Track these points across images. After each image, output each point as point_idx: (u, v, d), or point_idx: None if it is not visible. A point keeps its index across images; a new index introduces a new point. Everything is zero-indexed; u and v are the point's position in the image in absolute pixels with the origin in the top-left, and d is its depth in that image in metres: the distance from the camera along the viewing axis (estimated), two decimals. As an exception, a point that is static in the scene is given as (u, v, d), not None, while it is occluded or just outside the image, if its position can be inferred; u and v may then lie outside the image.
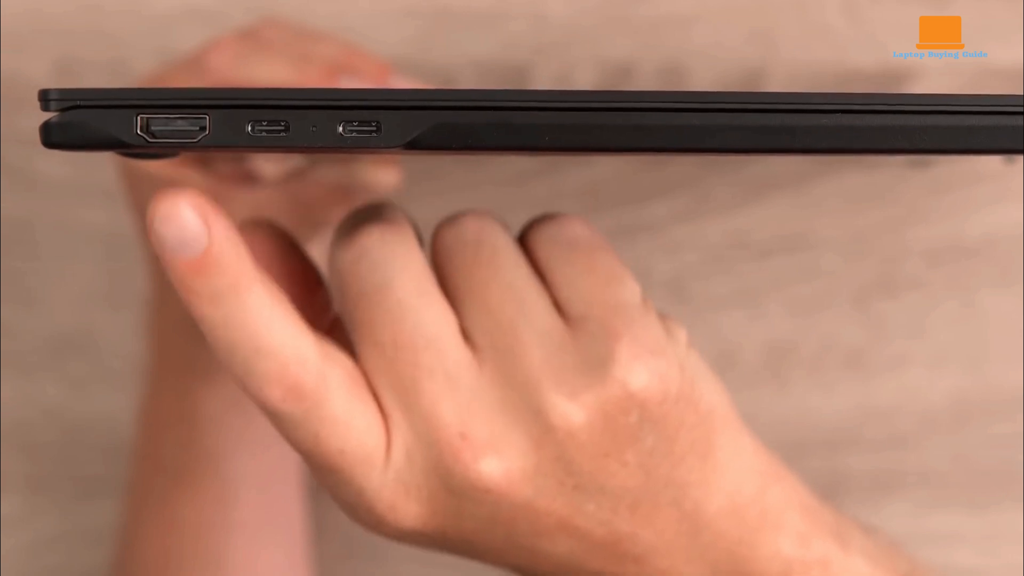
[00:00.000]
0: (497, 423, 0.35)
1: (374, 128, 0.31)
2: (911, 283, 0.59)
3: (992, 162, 0.58)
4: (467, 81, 0.57)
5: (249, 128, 0.31)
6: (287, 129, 0.31)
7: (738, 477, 0.37)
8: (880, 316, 0.59)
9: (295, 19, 0.52)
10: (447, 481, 0.35)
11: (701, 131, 0.31)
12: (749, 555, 0.37)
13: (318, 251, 0.50)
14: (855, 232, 0.59)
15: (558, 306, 0.35)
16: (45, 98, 0.31)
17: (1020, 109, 0.31)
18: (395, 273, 0.35)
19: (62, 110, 0.31)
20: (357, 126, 0.31)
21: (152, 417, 0.53)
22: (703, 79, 0.57)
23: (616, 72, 0.58)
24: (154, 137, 0.31)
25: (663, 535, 0.36)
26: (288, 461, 0.53)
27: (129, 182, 0.49)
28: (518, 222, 0.37)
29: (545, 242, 0.36)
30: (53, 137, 0.31)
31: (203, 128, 0.31)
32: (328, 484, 0.36)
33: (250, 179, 0.48)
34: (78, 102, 0.31)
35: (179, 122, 0.31)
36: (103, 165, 0.57)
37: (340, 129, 0.31)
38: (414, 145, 0.31)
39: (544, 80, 0.57)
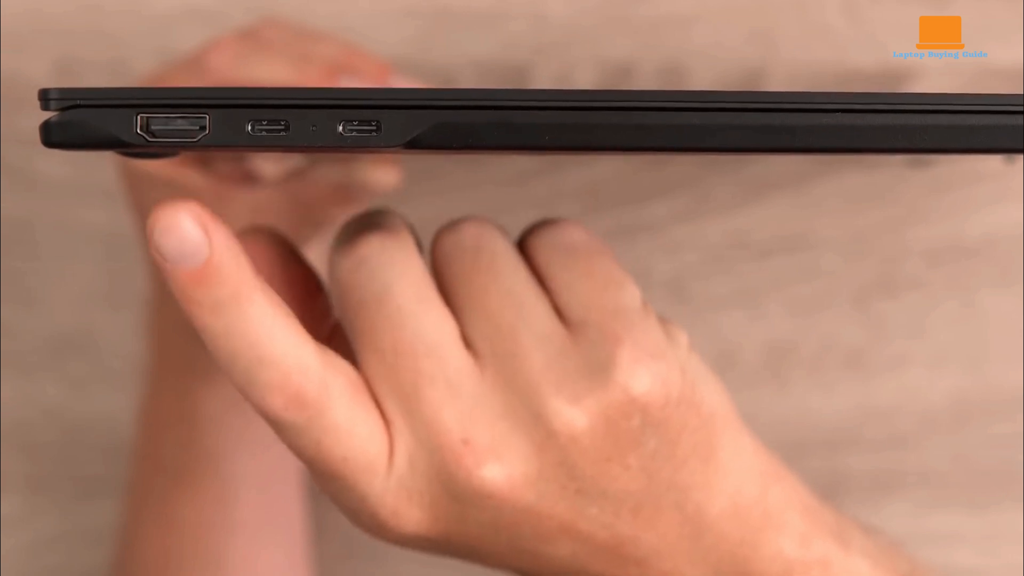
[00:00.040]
0: (499, 428, 0.35)
1: (374, 127, 0.31)
2: (911, 283, 0.59)
3: (992, 162, 0.58)
4: (467, 81, 0.57)
5: (249, 128, 0.31)
6: (287, 129, 0.31)
7: (740, 479, 0.37)
8: (880, 316, 0.59)
9: (295, 19, 0.52)
10: (450, 487, 0.35)
11: (701, 130, 0.31)
12: (751, 556, 0.37)
13: (318, 251, 0.50)
14: (855, 232, 0.59)
15: (558, 311, 0.35)
16: (45, 97, 0.31)
17: (1020, 109, 0.30)
18: (395, 280, 0.35)
19: (62, 109, 0.31)
20: (357, 125, 0.31)
21: (152, 417, 0.53)
22: (703, 79, 0.57)
23: (616, 72, 0.58)
24: (154, 136, 0.31)
25: (665, 538, 0.36)
26: (288, 461, 0.53)
27: (129, 182, 0.49)
28: (518, 222, 0.37)
29: (544, 247, 0.36)
30: (53, 136, 0.31)
31: (203, 127, 0.31)
32: (331, 491, 0.36)
33: (250, 179, 0.48)
34: (78, 101, 0.31)
35: (179, 121, 0.31)
36: (103, 165, 0.57)
37: (340, 128, 0.31)
38: (414, 144, 0.31)
39: (544, 80, 0.57)
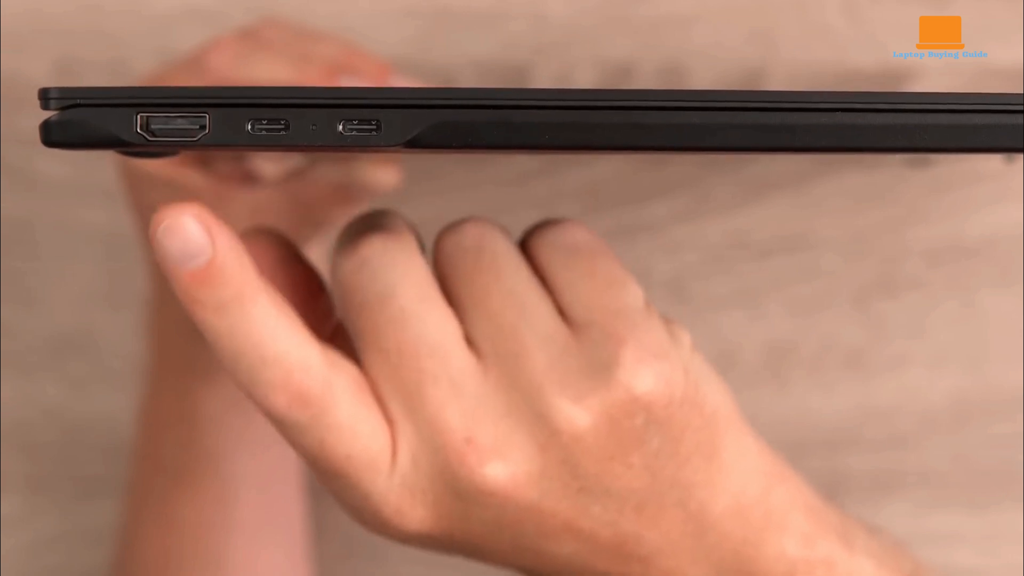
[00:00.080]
0: (502, 427, 0.35)
1: (374, 127, 0.31)
2: (911, 283, 0.59)
3: (992, 162, 0.58)
4: (467, 81, 0.57)
5: (249, 127, 0.31)
6: (287, 128, 0.31)
7: (743, 478, 0.37)
8: (880, 316, 0.59)
9: (295, 19, 0.52)
10: (453, 485, 0.35)
11: (701, 130, 0.31)
12: (754, 555, 0.37)
13: (319, 251, 0.50)
14: (855, 232, 0.59)
15: (561, 311, 0.35)
16: (45, 97, 0.31)
17: (1020, 108, 0.30)
18: (397, 281, 0.35)
19: (62, 109, 0.31)
20: (357, 125, 0.31)
21: (152, 417, 0.53)
22: (703, 79, 0.57)
23: (616, 72, 0.58)
24: (154, 136, 0.31)
25: (668, 536, 0.36)
26: (288, 461, 0.53)
27: (129, 182, 0.49)
28: (519, 222, 0.37)
29: (546, 247, 0.36)
30: (53, 136, 0.31)
31: (203, 127, 0.31)
32: (334, 489, 0.36)
33: (250, 179, 0.48)
34: (78, 101, 0.31)
35: (179, 121, 0.31)
36: (103, 165, 0.57)
37: (340, 128, 0.31)
38: (414, 144, 0.31)
39: (544, 80, 0.57)
